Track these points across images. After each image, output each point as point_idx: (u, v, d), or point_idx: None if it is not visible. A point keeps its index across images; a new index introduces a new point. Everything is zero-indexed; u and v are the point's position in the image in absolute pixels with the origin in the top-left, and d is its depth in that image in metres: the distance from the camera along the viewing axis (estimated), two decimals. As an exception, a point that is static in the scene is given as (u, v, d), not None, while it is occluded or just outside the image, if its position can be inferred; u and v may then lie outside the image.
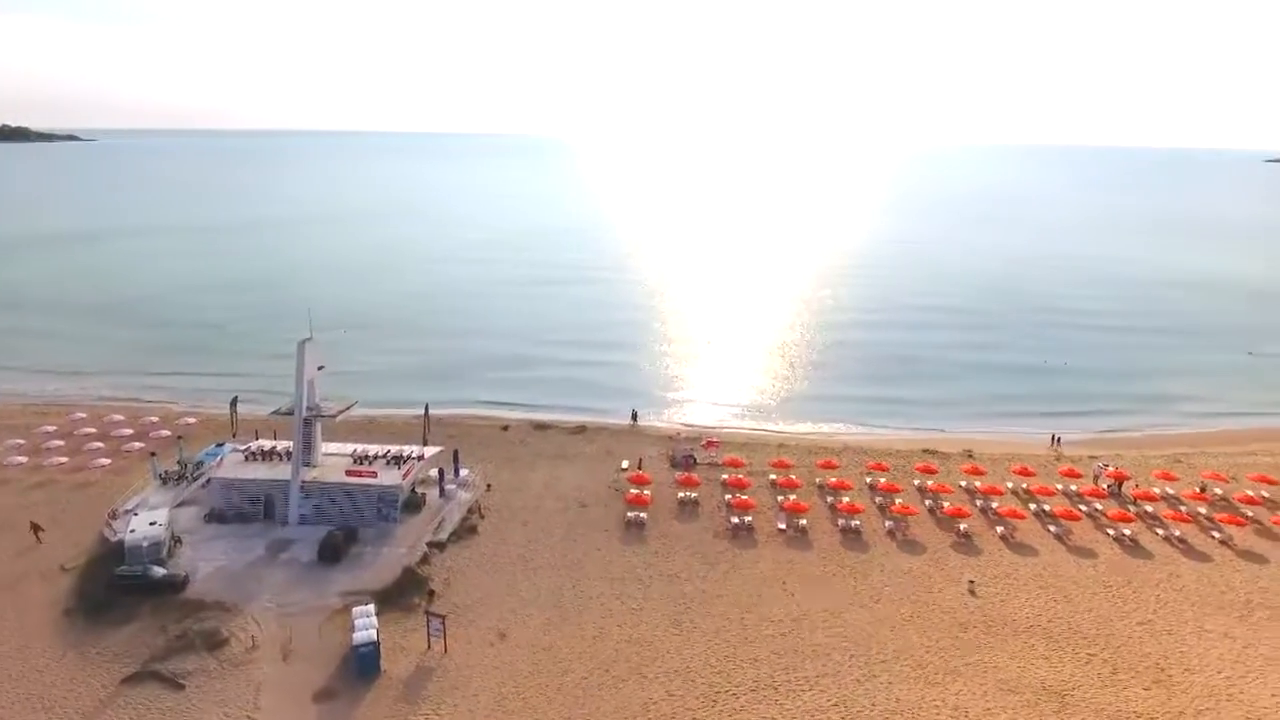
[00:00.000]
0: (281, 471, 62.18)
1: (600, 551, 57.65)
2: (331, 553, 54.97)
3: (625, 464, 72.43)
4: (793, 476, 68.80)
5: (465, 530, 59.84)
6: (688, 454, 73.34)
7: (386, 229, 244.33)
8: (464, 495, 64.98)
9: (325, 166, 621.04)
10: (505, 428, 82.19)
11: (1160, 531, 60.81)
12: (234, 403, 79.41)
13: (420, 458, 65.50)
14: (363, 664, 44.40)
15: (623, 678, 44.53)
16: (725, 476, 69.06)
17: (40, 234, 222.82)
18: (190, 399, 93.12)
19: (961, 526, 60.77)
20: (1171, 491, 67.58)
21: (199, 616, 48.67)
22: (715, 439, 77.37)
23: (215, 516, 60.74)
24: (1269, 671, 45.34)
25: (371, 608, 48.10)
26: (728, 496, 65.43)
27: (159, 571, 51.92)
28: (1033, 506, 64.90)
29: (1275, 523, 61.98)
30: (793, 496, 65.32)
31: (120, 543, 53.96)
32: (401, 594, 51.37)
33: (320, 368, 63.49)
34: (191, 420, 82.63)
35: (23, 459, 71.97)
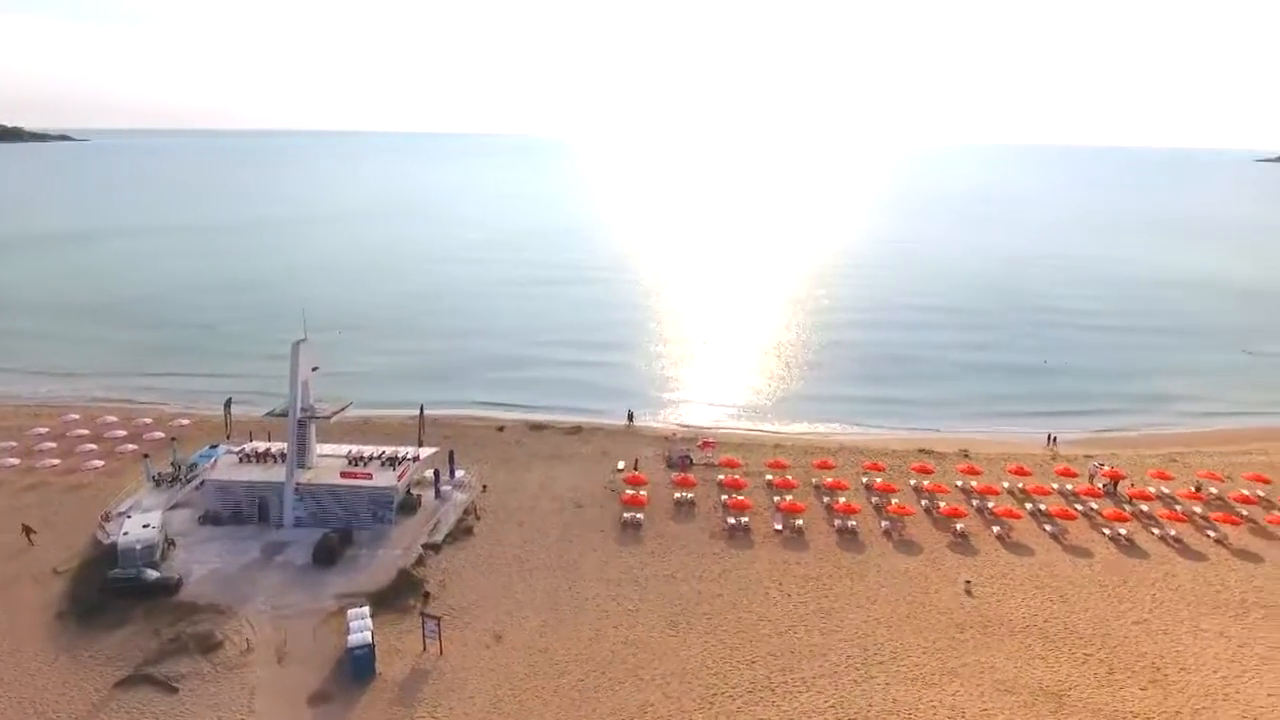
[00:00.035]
0: (276, 473, 61.81)
1: (596, 552, 57.50)
2: (326, 555, 54.70)
3: (621, 464, 72.27)
4: (789, 477, 68.71)
5: (461, 532, 59.62)
6: (684, 454, 73.21)
7: (383, 229, 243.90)
8: (459, 496, 64.75)
9: (322, 166, 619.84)
10: (501, 428, 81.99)
11: (1156, 531, 60.88)
12: (228, 404, 79.01)
13: (415, 459, 65.26)
14: (358, 666, 44.17)
15: (619, 680, 44.39)
16: (721, 477, 68.91)
17: (32, 234, 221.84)
18: (184, 400, 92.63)
19: (958, 526, 60.77)
20: (1167, 491, 67.66)
21: (193, 619, 48.36)
22: (711, 439, 77.28)
23: (209, 519, 60.41)
24: (1265, 670, 45.38)
25: (366, 610, 47.90)
26: (724, 497, 65.33)
27: (152, 574, 51.58)
28: (1029, 506, 64.92)
29: (1270, 522, 62.05)
30: (789, 497, 65.24)
31: (113, 545, 53.59)
32: (397, 596, 51.12)
33: (315, 369, 63.24)
34: (185, 422, 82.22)
35: (15, 461, 71.51)
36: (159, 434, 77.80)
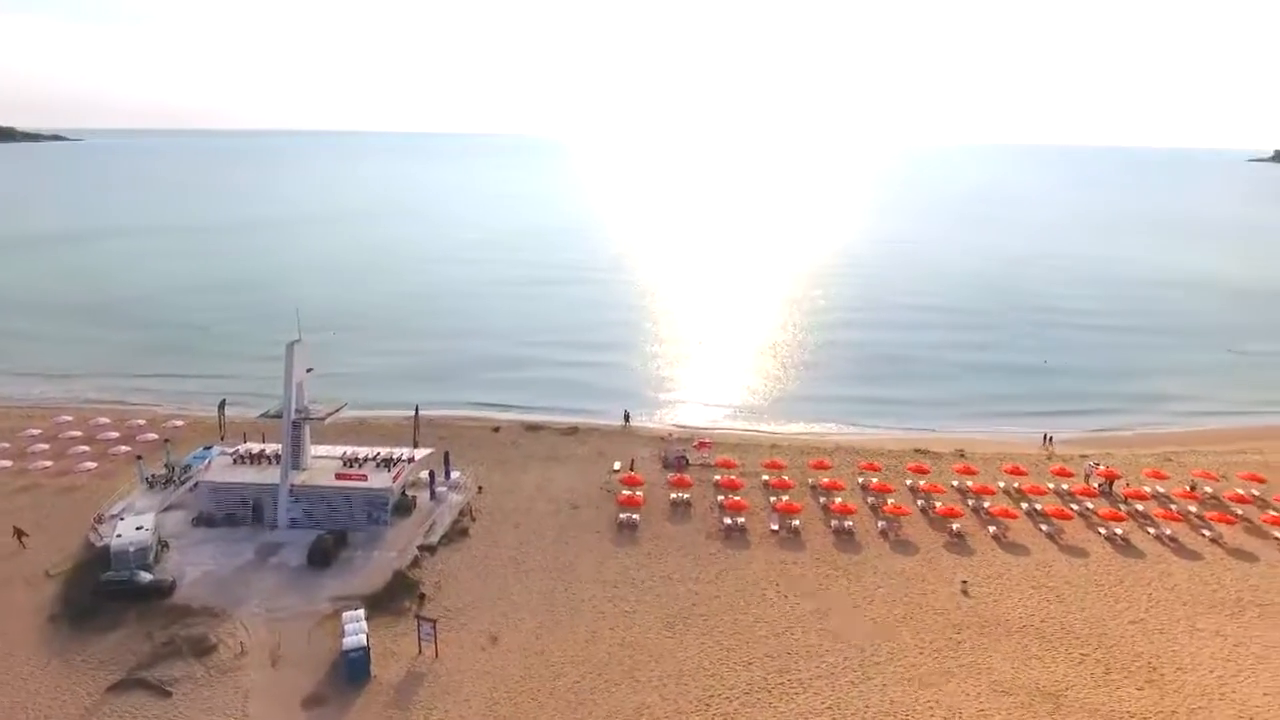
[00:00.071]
0: (270, 475, 61.55)
1: (593, 554, 57.34)
2: (321, 557, 54.46)
3: (617, 465, 72.12)
4: (785, 477, 68.66)
5: (456, 533, 59.42)
6: (680, 455, 73.09)
7: (378, 229, 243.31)
8: (455, 498, 64.52)
9: (317, 166, 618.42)
10: (496, 429, 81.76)
11: (1151, 530, 60.96)
12: (222, 405, 78.74)
13: (411, 460, 65.01)
14: (353, 669, 43.95)
15: (616, 681, 44.25)
16: (718, 477, 68.84)
17: (25, 235, 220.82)
18: (177, 402, 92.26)
19: (954, 526, 60.78)
20: (1162, 490, 67.78)
21: (186, 622, 48.12)
22: (708, 440, 77.17)
23: (203, 520, 60.09)
24: (1260, 670, 45.45)
25: (361, 612, 47.64)
26: (720, 497, 65.23)
27: (145, 577, 51.28)
28: (1025, 506, 64.98)
29: (1265, 521, 62.18)
30: (785, 497, 65.16)
31: (106, 548, 53.30)
32: (392, 598, 50.92)
33: (309, 370, 62.97)
34: (179, 423, 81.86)
35: (7, 463, 71.02)
36: (152, 435, 77.45)
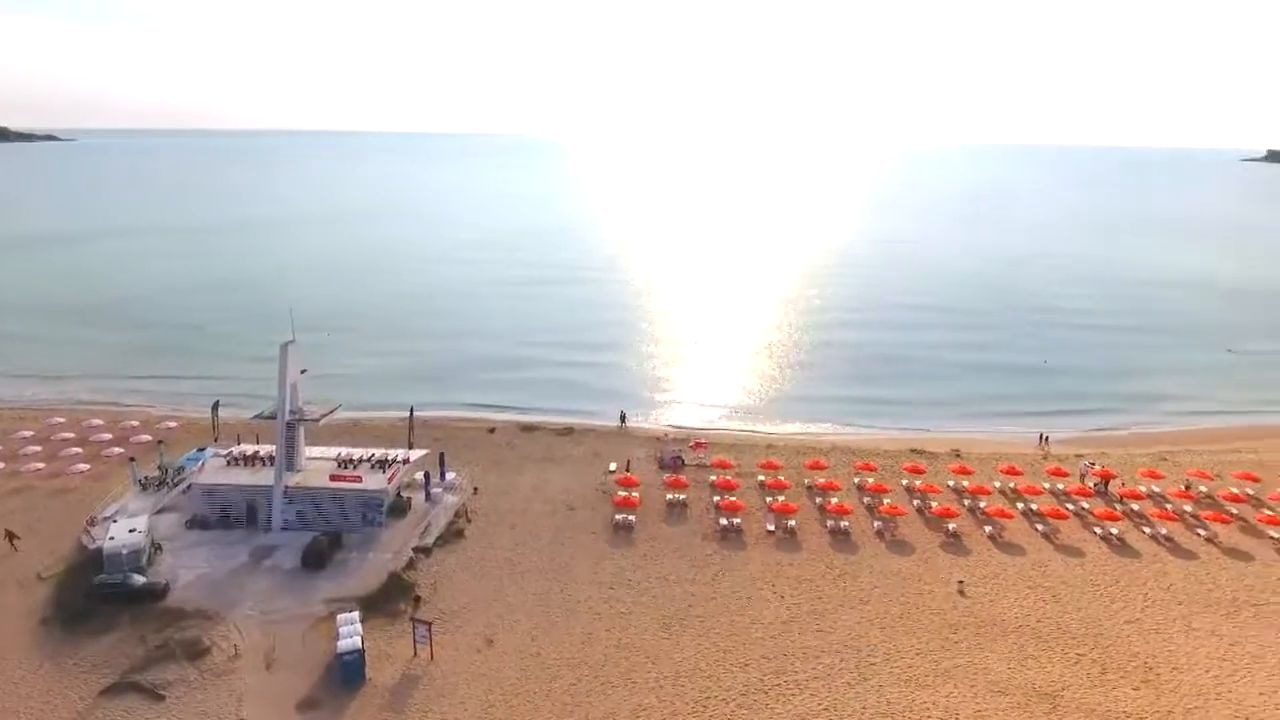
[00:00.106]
0: (264, 476, 61.28)
1: (588, 555, 57.19)
2: (315, 559, 54.19)
3: (613, 466, 71.99)
4: (781, 477, 68.60)
5: (452, 534, 59.18)
6: (676, 455, 72.98)
7: (374, 229, 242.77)
8: (450, 499, 64.30)
9: (313, 166, 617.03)
10: (492, 430, 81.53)
11: (1147, 530, 61.04)
12: (215, 407, 78.25)
13: (406, 461, 64.78)
14: (347, 672, 43.72)
15: (612, 683, 44.10)
16: (714, 478, 68.77)
17: (17, 235, 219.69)
18: (171, 403, 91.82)
19: (950, 526, 60.76)
20: (1157, 490, 67.87)
21: (180, 625, 47.83)
22: (703, 440, 77.04)
23: (196, 523, 59.76)
24: (1256, 669, 45.50)
25: (356, 614, 47.44)
26: (716, 498, 65.13)
27: (138, 579, 50.97)
28: (1020, 506, 65.00)
29: (1260, 520, 62.33)
30: (781, 498, 65.10)
31: (99, 550, 52.94)
32: (387, 600, 50.69)
33: (303, 371, 62.74)
34: (172, 424, 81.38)
35: (-1, 465, 70.68)
36: (145, 437, 77.04)
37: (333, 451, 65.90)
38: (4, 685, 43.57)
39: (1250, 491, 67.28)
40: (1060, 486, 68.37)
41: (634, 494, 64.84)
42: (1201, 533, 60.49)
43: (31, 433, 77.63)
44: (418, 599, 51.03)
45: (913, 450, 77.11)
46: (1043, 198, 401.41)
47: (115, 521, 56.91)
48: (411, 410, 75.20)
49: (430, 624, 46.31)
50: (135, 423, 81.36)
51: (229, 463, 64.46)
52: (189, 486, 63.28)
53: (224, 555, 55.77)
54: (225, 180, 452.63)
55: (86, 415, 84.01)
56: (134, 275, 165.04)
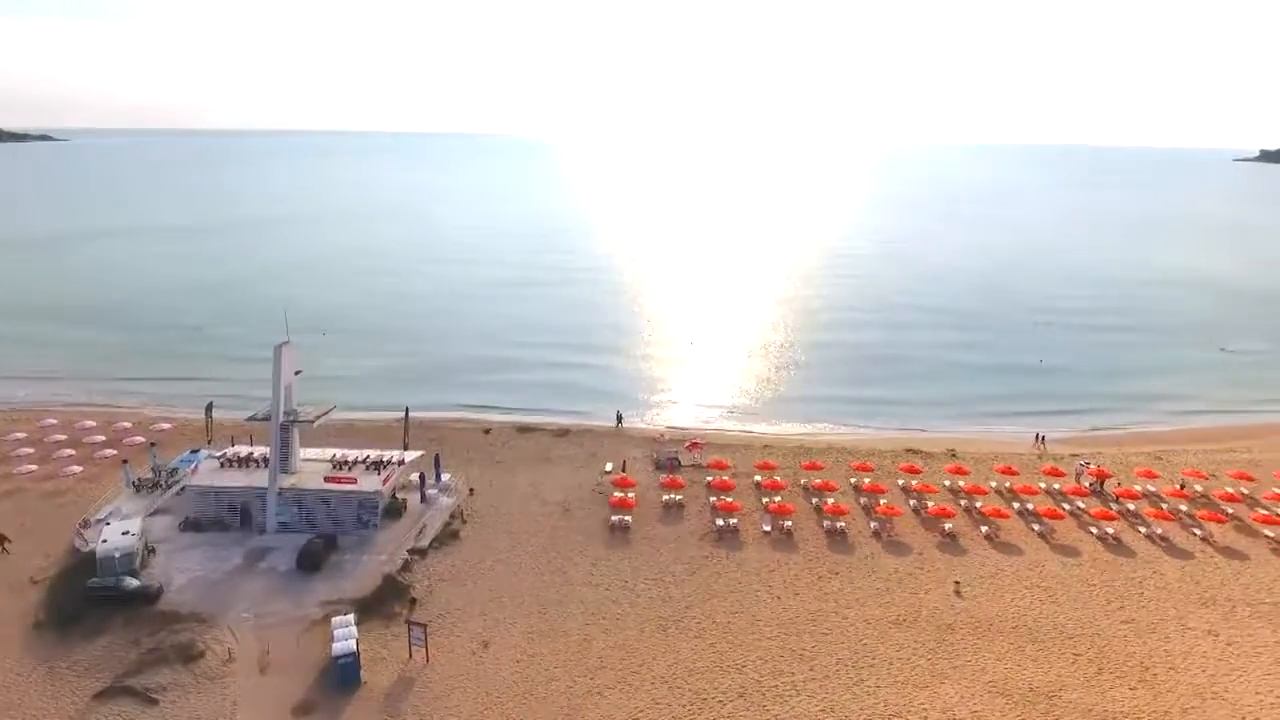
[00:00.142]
0: (258, 478, 60.92)
1: (584, 556, 57.01)
2: (310, 561, 53.93)
3: (609, 467, 71.83)
4: (778, 478, 68.53)
5: (447, 536, 58.95)
6: (672, 456, 72.85)
7: (368, 230, 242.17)
8: (446, 500, 64.08)
9: (305, 167, 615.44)
10: (488, 431, 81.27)
11: (1142, 529, 61.13)
12: (209, 408, 77.95)
13: (401, 462, 64.52)
14: (343, 675, 43.50)
15: (608, 685, 43.96)
16: (710, 479, 68.66)
17: (10, 236, 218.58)
18: (164, 404, 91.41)
19: (946, 526, 60.75)
20: (1153, 489, 67.98)
21: (173, 629, 47.55)
22: (700, 441, 76.93)
23: (190, 525, 59.43)
24: (1252, 668, 45.57)
25: (351, 617, 47.28)
26: (713, 499, 65.03)
27: (132, 582, 50.66)
28: (1016, 506, 65.04)
29: (1255, 519, 62.46)
30: (778, 498, 65.03)
31: (92, 553, 52.65)
32: (382, 603, 50.49)
33: (298, 372, 62.51)
34: (166, 426, 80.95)
35: (-9, 467, 70.15)
36: (139, 439, 76.62)
37: (328, 453, 65.57)
38: (-5, 690, 43.23)
39: (1245, 491, 67.42)
40: (1056, 486, 68.47)
41: (630, 495, 64.70)
42: (1197, 532, 60.61)
43: (24, 434, 77.11)
44: (413, 601, 50.82)
45: (909, 450, 77.14)
46: (1038, 197, 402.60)
47: (108, 524, 56.61)
48: (407, 411, 74.95)
49: (426, 626, 46.13)
50: (128, 424, 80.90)
51: (223, 464, 64.11)
52: (183, 488, 62.90)
53: (218, 558, 55.46)
54: (219, 180, 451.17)
55: (79, 417, 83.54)
56: (127, 276, 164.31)
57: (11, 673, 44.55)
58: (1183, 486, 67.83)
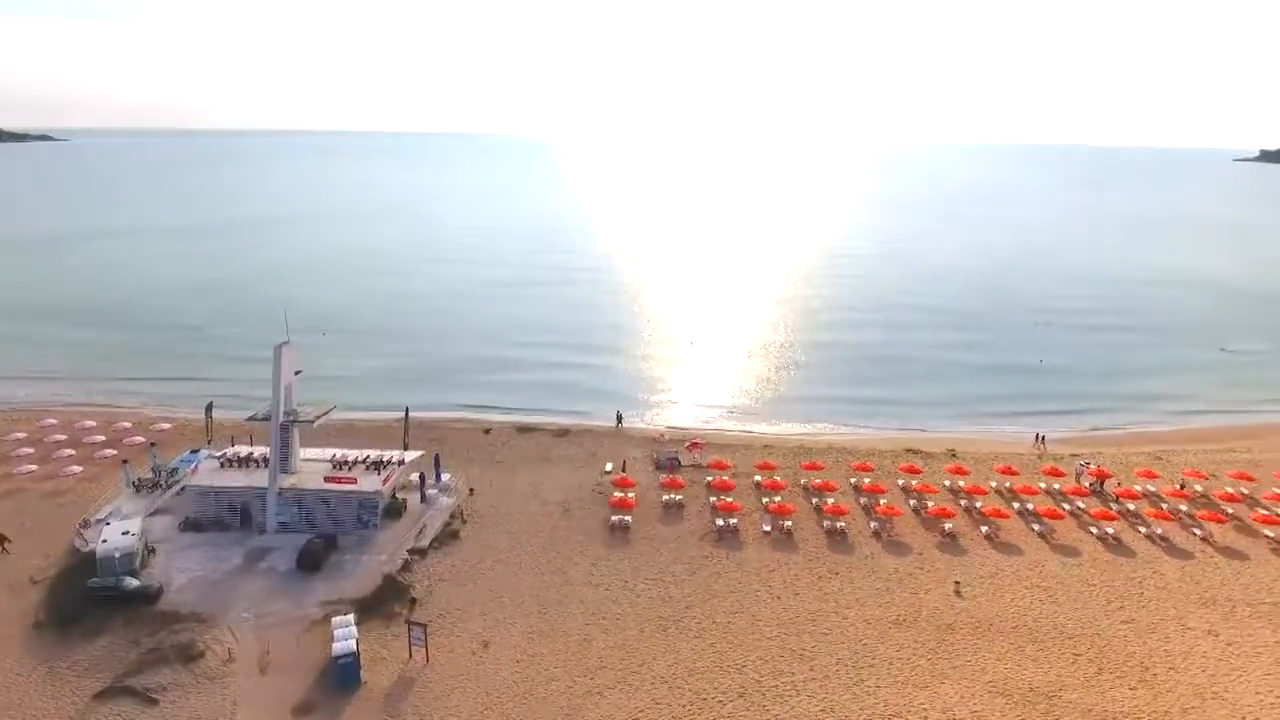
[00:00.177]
0: (258, 478, 60.92)
1: (584, 556, 57.01)
2: (310, 561, 53.92)
3: (609, 467, 71.83)
4: (778, 478, 68.53)
5: (447, 536, 58.95)
6: (672, 456, 72.85)
7: (368, 230, 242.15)
8: (445, 500, 64.08)
9: (305, 167, 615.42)
10: (488, 431, 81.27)
11: (1142, 529, 61.13)
12: (209, 408, 77.95)
13: (401, 462, 64.53)
14: (343, 675, 43.51)
15: (608, 685, 43.95)
16: (710, 479, 68.65)
17: (11, 236, 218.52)
18: (164, 404, 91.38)
19: (946, 526, 60.76)
20: (1153, 489, 67.97)
21: (173, 629, 47.54)
22: (700, 440, 76.93)
23: (190, 525, 59.42)
24: (1252, 668, 45.56)
25: (351, 617, 47.28)
26: (713, 499, 65.02)
27: (132, 582, 50.66)
28: (1016, 506, 65.03)
29: (1255, 519, 62.45)
30: (778, 498, 65.02)
31: (92, 553, 52.65)
32: (382, 603, 50.49)
33: (298, 372, 62.51)
34: (166, 426, 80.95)
35: (-10, 467, 70.13)
36: (139, 439, 76.62)
37: (328, 453, 65.57)
38: (-5, 690, 43.22)
39: (1245, 491, 67.42)
40: (1056, 486, 68.47)
41: (630, 495, 64.70)
42: (1197, 532, 60.61)
43: (24, 434, 77.11)
44: (413, 601, 50.82)
45: (909, 450, 77.13)
46: (1038, 198, 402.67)
47: (108, 524, 56.61)
48: (407, 411, 74.97)
49: (426, 626, 46.14)
50: (128, 424, 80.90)
51: (223, 464, 64.11)
52: (183, 488, 62.89)
53: (218, 558, 55.45)
54: (218, 180, 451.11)
55: (79, 417, 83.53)
56: (127, 276, 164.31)
57: (11, 673, 44.55)
58: (1183, 486, 67.84)
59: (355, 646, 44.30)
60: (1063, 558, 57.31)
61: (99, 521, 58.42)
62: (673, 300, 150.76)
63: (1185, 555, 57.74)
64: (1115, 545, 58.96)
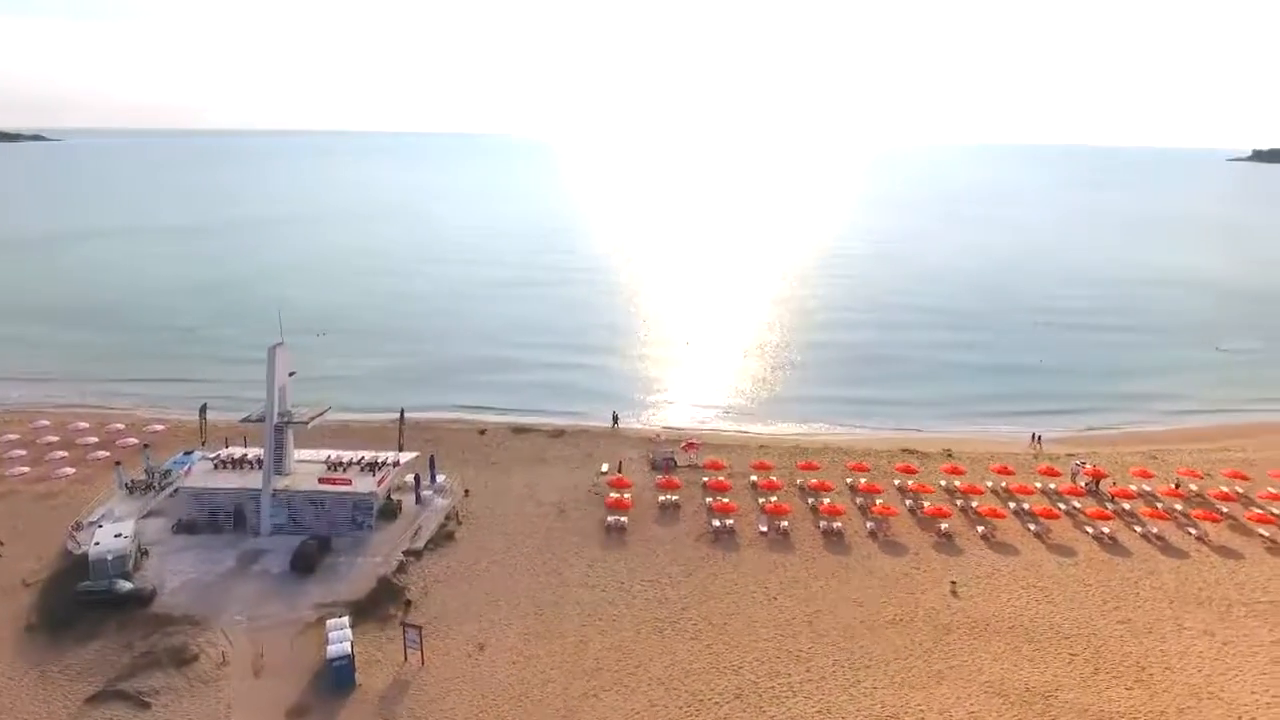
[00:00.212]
0: (252, 480, 60.60)
1: (580, 557, 56.84)
2: (305, 563, 53.65)
3: (605, 467, 71.66)
4: (774, 478, 68.42)
5: (442, 538, 58.74)
6: (668, 456, 72.72)
7: (363, 230, 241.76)
8: (441, 502, 63.83)
9: (301, 167, 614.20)
10: (483, 431, 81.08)
11: (1138, 529, 61.15)
12: (203, 409, 77.62)
13: (396, 464, 64.29)
14: (337, 678, 43.30)
15: (605, 687, 43.81)
16: (706, 479, 68.48)
17: (3, 236, 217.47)
18: (158, 406, 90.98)
19: (942, 526, 60.71)
20: (1148, 489, 68.00)
21: (166, 632, 47.20)
22: (696, 441, 76.78)
23: (184, 527, 59.07)
24: (1248, 668, 45.57)
25: (346, 619, 47.00)
26: (709, 499, 64.90)
27: (125, 585, 50.31)
28: (1012, 505, 65.01)
29: (1250, 518, 62.49)
30: (774, 498, 64.91)
31: (84, 556, 52.28)
32: (377, 605, 50.24)
33: (292, 373, 62.25)
34: (159, 427, 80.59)
35: (-17, 469, 69.71)
36: (132, 440, 76.29)
37: (322, 454, 65.25)
38: (-13, 694, 42.93)
39: (1240, 490, 67.50)
40: (1052, 486, 68.49)
41: (626, 495, 64.52)
42: (1192, 531, 60.65)
43: (16, 435, 76.77)
44: (408, 603, 50.63)
45: (905, 450, 77.07)
46: (1035, 198, 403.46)
47: (101, 526, 56.30)
48: (402, 412, 74.79)
49: (421, 629, 45.95)
50: (121, 426, 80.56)
51: (216, 466, 63.81)
52: (176, 490, 62.56)
53: (211, 560, 55.14)
54: (213, 181, 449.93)
55: (72, 418, 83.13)
56: (121, 276, 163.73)
57: (3, 676, 44.23)
58: (1178, 486, 67.89)
59: (350, 649, 44.10)
60: (1059, 557, 57.31)
61: (92, 524, 58.06)
62: (669, 300, 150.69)
63: (1181, 555, 57.77)
64: (1111, 545, 58.98)
